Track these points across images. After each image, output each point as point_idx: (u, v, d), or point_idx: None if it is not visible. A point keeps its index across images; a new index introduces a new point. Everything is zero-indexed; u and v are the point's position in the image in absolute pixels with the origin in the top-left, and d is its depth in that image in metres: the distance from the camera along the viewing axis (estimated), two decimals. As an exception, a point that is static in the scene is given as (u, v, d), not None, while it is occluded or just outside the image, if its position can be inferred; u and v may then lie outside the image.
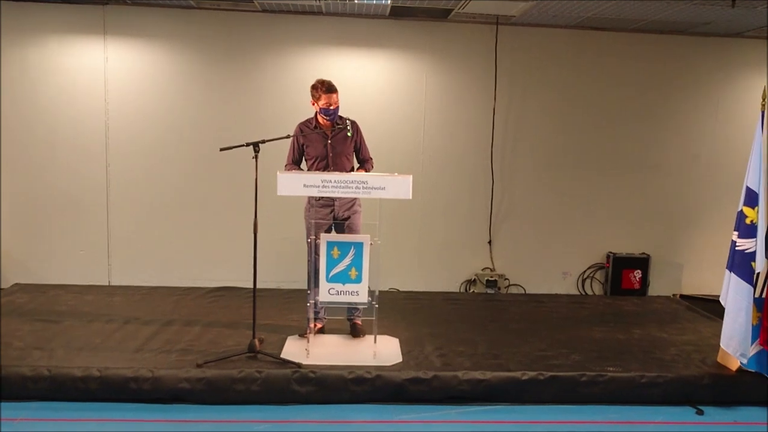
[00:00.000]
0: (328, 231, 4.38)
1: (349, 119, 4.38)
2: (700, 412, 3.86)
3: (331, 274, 4.05)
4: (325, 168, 4.30)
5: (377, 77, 5.92)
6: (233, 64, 5.88)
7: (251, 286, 4.16)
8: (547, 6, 5.33)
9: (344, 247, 4.04)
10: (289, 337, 4.42)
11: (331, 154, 4.32)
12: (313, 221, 4.19)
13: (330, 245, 4.03)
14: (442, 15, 5.79)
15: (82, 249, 5.95)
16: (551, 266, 6.38)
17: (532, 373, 3.90)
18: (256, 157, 3.92)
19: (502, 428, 3.59)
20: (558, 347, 4.44)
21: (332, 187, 3.82)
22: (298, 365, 3.83)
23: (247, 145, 3.95)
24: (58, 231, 5.91)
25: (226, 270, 5.96)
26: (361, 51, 5.97)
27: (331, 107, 4.19)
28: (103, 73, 5.78)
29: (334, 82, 4.24)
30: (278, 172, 3.84)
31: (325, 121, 4.27)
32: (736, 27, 5.90)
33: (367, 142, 4.50)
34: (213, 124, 5.90)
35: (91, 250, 5.96)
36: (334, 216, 4.36)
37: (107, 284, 5.98)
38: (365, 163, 4.48)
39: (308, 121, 4.39)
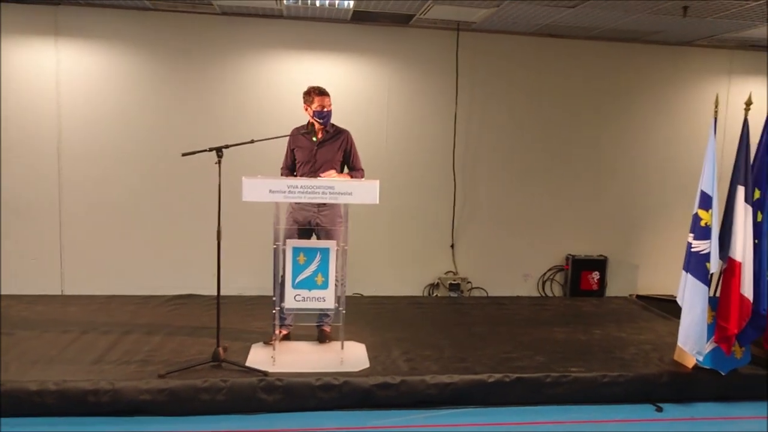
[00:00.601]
0: (308, 237, 4.36)
1: (342, 128, 4.44)
2: (659, 409, 3.97)
3: (297, 280, 4.00)
4: (311, 174, 4.28)
5: (339, 82, 5.90)
6: (192, 67, 5.77)
7: (213, 294, 4.08)
8: (507, 13, 5.42)
9: (310, 253, 4.00)
10: (254, 345, 4.35)
11: (316, 160, 4.31)
12: (285, 227, 4.15)
13: (296, 251, 3.99)
14: (404, 20, 5.82)
15: (33, 257, 5.72)
16: (513, 269, 6.48)
17: (498, 375, 3.94)
18: (219, 162, 3.86)
19: (470, 431, 3.61)
20: (522, 349, 4.51)
21: (299, 192, 3.78)
22: (264, 373, 3.77)
23: (210, 150, 3.88)
24: (7, 238, 5.67)
25: (187, 277, 5.83)
26: (322, 55, 5.94)
27: (325, 109, 4.25)
28: (55, 74, 5.59)
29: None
30: (243, 177, 3.78)
31: (318, 125, 4.29)
32: (687, 36, 6.13)
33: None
34: (172, 128, 5.77)
35: (42, 258, 5.75)
36: (311, 222, 4.34)
37: (60, 293, 5.77)
38: (354, 173, 4.45)
39: (301, 126, 4.41)
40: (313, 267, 3.98)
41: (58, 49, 5.57)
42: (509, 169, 6.36)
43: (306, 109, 4.32)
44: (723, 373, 4.11)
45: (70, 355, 4.07)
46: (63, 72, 5.60)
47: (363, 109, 6.01)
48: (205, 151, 3.92)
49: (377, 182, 3.83)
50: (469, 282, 6.34)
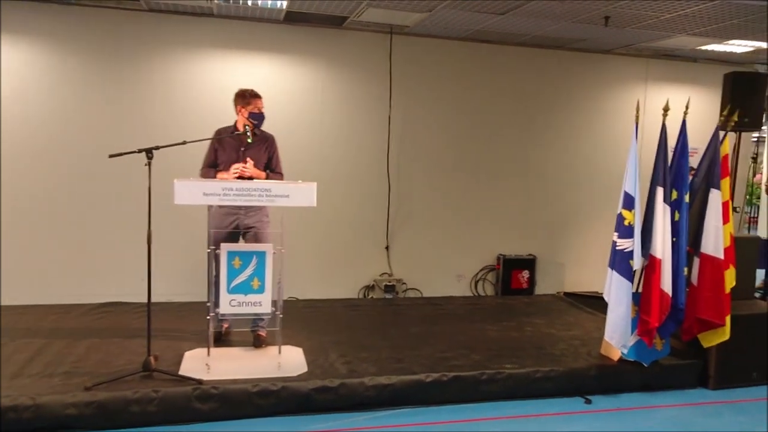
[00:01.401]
0: (235, 240, 4.24)
1: (268, 133, 4.48)
2: (588, 402, 4.14)
3: (232, 284, 3.91)
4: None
5: (271, 83, 5.81)
6: (119, 66, 5.54)
7: (140, 301, 3.93)
8: (440, 18, 5.51)
9: (246, 256, 3.92)
10: (187, 353, 4.22)
11: (241, 162, 4.27)
12: (212, 231, 4.03)
13: (231, 255, 3.90)
14: (337, 22, 5.81)
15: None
16: (446, 269, 6.59)
17: (435, 375, 3.99)
18: (149, 164, 3.71)
19: (409, 431, 3.64)
20: (458, 348, 4.59)
21: (234, 195, 3.70)
22: (199, 381, 3.66)
23: (140, 151, 3.73)
24: None
25: (112, 285, 5.57)
26: (255, 56, 5.84)
27: (261, 111, 4.34)
28: (-35, 70, 5.23)
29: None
30: (175, 180, 3.66)
31: (250, 126, 4.26)
32: (608, 45, 6.44)
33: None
34: (98, 129, 5.51)
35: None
36: (238, 225, 4.26)
37: (-28, 304, 5.39)
38: (274, 175, 4.43)
39: (227, 127, 4.35)
40: (249, 271, 3.91)
41: (-33, 44, 5.22)
42: (442, 172, 6.46)
43: (240, 111, 4.32)
44: (645, 365, 4.33)
45: (-15, 370, 3.81)
46: (-27, 68, 5.25)
47: (296, 111, 5.95)
48: (133, 152, 3.77)
49: (314, 185, 3.80)
50: (404, 283, 6.40)
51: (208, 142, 4.34)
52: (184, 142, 4.01)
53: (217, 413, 3.61)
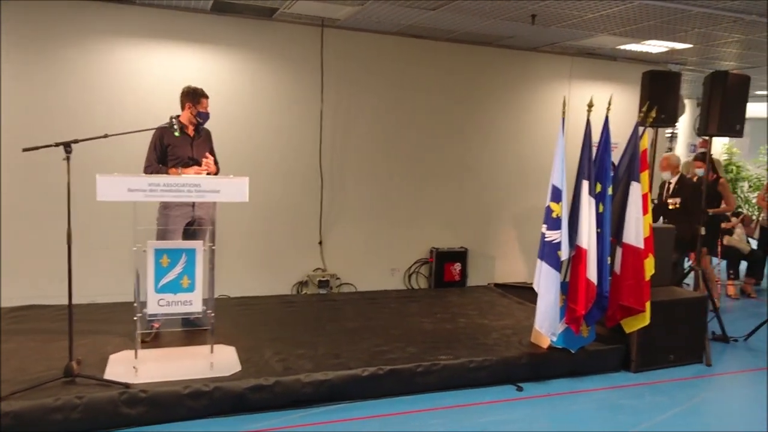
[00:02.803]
0: (194, 237, 4.29)
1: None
2: (519, 389, 4.26)
3: (160, 284, 3.76)
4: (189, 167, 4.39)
5: (198, 75, 5.60)
6: (36, 56, 5.19)
7: (60, 303, 3.71)
8: (371, 12, 5.50)
9: (174, 254, 3.78)
10: (111, 356, 4.03)
11: (195, 156, 4.44)
12: (161, 228, 3.91)
13: (158, 253, 3.75)
14: (267, 14, 5.69)
15: None
16: (380, 263, 6.60)
17: (371, 369, 4.00)
18: (68, 158, 3.51)
19: (346, 427, 3.62)
20: (393, 341, 4.61)
21: (161, 191, 3.55)
22: (126, 385, 3.51)
23: (57, 145, 3.52)
24: None
25: (26, 287, 5.23)
26: (180, 46, 5.63)
27: (207, 110, 4.52)
28: None
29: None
30: (97, 175, 3.47)
31: (194, 123, 4.49)
32: (535, 42, 6.62)
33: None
34: (12, 121, 5.15)
35: None
36: (193, 220, 4.37)
37: None
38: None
39: (167, 124, 4.33)
40: (178, 269, 3.77)
41: None
42: (374, 166, 6.47)
43: (188, 108, 4.45)
44: (573, 351, 4.50)
45: None
46: None
47: (224, 104, 5.77)
48: (50, 146, 3.55)
49: (246, 179, 3.71)
50: (338, 278, 6.36)
51: (140, 137, 4.19)
52: (106, 135, 3.81)
53: (147, 417, 3.47)
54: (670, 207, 6.15)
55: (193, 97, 4.44)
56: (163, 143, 4.36)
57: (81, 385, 3.52)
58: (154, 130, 4.34)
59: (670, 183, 6.26)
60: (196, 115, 4.43)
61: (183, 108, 4.46)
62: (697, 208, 5.64)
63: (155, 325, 4.39)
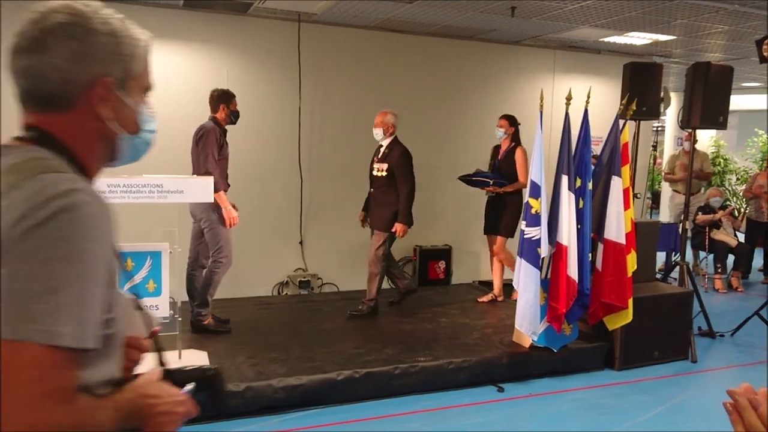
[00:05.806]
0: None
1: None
2: (500, 390, 4.16)
3: (125, 288, 3.62)
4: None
5: (171, 72, 5.47)
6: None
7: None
8: (347, 6, 5.37)
9: (139, 257, 3.65)
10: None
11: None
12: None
13: (122, 256, 3.60)
14: (242, 9, 5.56)
15: None
16: (362, 263, 6.43)
17: (347, 372, 3.88)
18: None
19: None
20: (371, 343, 4.49)
21: (122, 192, 3.42)
22: (90, 394, 3.37)
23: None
24: None
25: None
26: (151, 42, 5.48)
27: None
28: None
29: None
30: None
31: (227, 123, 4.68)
32: (516, 36, 6.51)
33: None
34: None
35: None
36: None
37: None
38: None
39: (211, 125, 4.50)
40: (143, 273, 3.64)
41: None
42: (355, 163, 6.32)
43: (222, 109, 4.59)
44: (555, 350, 4.40)
45: None
46: None
47: (198, 101, 5.61)
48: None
49: (211, 179, 3.59)
50: (319, 278, 6.24)
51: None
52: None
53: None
54: None
55: (226, 98, 4.63)
56: (219, 143, 4.52)
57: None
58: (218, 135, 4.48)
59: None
60: (230, 113, 4.63)
61: (216, 111, 4.59)
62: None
63: None
